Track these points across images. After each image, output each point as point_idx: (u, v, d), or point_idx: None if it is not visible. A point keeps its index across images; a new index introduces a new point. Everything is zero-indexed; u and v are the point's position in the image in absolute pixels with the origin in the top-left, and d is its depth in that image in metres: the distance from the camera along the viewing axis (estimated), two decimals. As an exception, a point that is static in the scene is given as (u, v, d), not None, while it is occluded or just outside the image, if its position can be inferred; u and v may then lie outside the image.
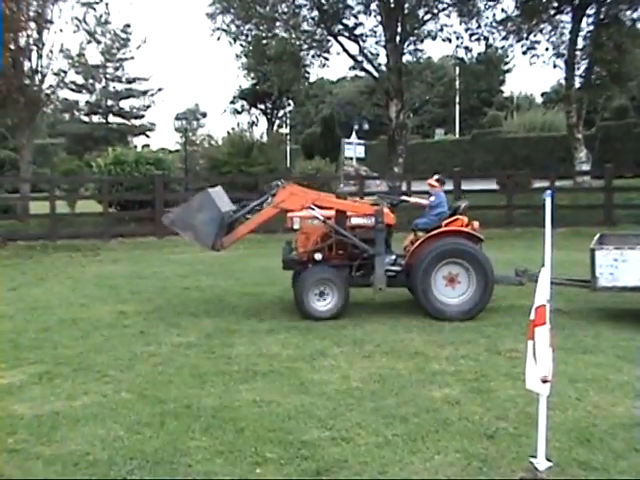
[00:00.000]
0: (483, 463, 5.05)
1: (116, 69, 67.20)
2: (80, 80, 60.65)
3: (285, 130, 60.62)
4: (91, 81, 64.03)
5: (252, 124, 59.25)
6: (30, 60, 25.02)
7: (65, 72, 27.25)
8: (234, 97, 62.92)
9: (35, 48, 25.00)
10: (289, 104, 62.77)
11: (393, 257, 10.34)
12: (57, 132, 67.98)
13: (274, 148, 31.46)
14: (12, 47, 24.60)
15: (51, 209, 20.29)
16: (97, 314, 10.35)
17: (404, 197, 11.16)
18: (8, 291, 12.60)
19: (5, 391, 6.84)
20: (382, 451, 5.28)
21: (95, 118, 69.89)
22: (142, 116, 70.81)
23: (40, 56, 25.05)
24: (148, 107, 70.38)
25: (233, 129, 30.70)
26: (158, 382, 7.06)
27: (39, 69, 25.16)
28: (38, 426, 5.90)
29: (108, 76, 66.91)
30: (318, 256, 9.99)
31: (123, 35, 60.80)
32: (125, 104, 69.86)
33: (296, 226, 10.20)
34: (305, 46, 30.08)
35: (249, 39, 31.01)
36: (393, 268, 10.12)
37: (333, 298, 9.80)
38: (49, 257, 17.70)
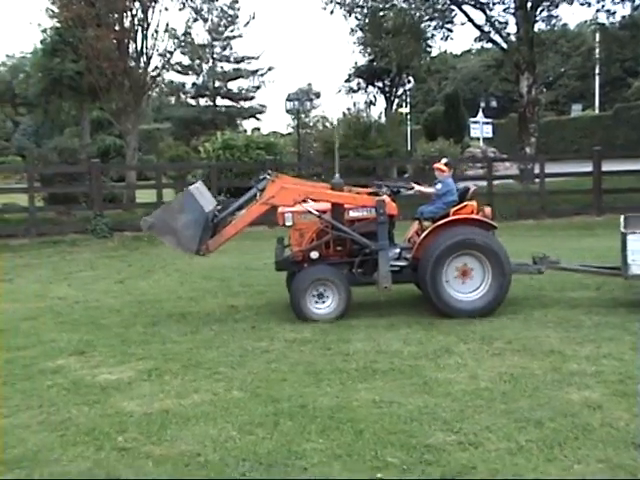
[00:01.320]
0: (631, 476, 4.91)
1: (224, 48, 68.37)
2: (186, 61, 62.07)
3: (405, 109, 60.29)
4: (197, 62, 65.35)
5: (369, 104, 59.18)
6: (135, 41, 25.81)
7: (171, 53, 28.03)
8: (349, 75, 62.94)
9: (140, 29, 25.76)
10: (409, 81, 62.35)
11: (397, 250, 10.14)
12: (163, 116, 69.86)
13: (393, 129, 31.34)
14: (117, 28, 25.49)
15: (158, 197, 20.91)
16: (206, 308, 10.62)
17: (406, 184, 10.86)
18: (115, 284, 13.10)
19: (114, 387, 7.11)
20: (514, 458, 5.20)
21: (202, 101, 71.32)
22: (252, 97, 71.84)
23: (145, 37, 25.82)
24: (258, 88, 71.33)
25: (349, 109, 30.78)
26: (271, 380, 7.18)
27: (144, 50, 25.93)
28: (147, 424, 6.10)
29: (215, 56, 68.15)
30: (314, 254, 9.84)
31: (230, 12, 61.98)
32: (233, 85, 71.03)
33: (288, 223, 9.97)
34: (426, 17, 29.81)
35: (365, 11, 30.95)
36: (398, 263, 9.93)
37: (334, 299, 9.61)
38: (156, 248, 18.20)
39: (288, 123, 77.16)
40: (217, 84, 70.06)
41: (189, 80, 69.11)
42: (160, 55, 27.09)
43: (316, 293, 9.60)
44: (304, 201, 9.75)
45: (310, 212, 9.73)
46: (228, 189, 22.97)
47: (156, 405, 6.58)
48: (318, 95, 79.20)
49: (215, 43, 66.32)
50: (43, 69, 38.29)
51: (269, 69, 70.28)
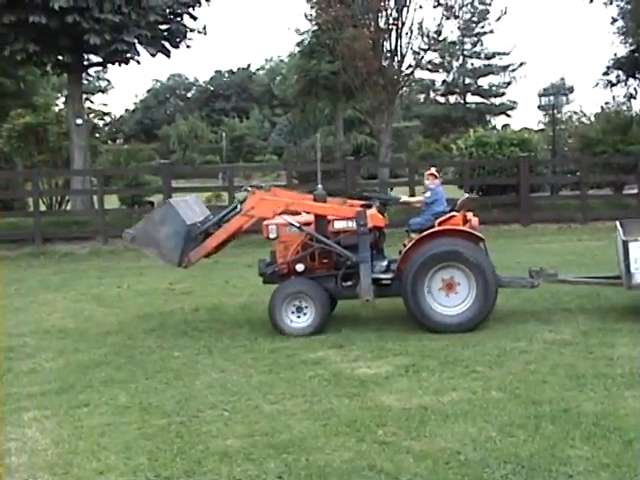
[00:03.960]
0: None
1: (474, 44, 68.01)
2: (436, 58, 62.20)
3: (669, 102, 56.96)
4: (448, 59, 65.37)
5: (630, 97, 56.45)
6: (389, 40, 26.21)
7: (425, 51, 28.14)
8: (608, 67, 60.41)
9: (394, 28, 26.12)
10: (674, 70, 58.85)
11: (384, 263, 9.76)
12: (412, 114, 70.56)
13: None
14: (372, 29, 26.01)
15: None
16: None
17: (396, 195, 10.21)
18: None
19: (373, 381, 7.24)
20: None
21: (452, 98, 71.26)
22: (502, 94, 70.90)
23: (399, 36, 26.14)
24: (508, 84, 70.31)
25: (607, 104, 29.49)
26: (530, 381, 7.02)
27: (398, 49, 26.27)
28: (406, 419, 6.15)
29: (465, 53, 67.90)
30: (300, 267, 9.59)
31: (482, 7, 61.27)
32: (484, 82, 70.45)
33: (272, 235, 9.74)
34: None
35: (628, -3, 29.57)
36: (385, 276, 9.58)
37: (311, 313, 9.33)
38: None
39: (539, 119, 75.28)
40: (467, 81, 69.74)
41: (439, 78, 69.28)
42: (414, 53, 27.34)
43: (294, 306, 9.39)
44: (297, 213, 9.65)
45: (292, 224, 9.54)
46: (481, 186, 22.76)
47: (414, 401, 6.63)
48: (571, 89, 76.68)
49: (466, 39, 66.01)
50: (300, 71, 39.87)
51: (520, 64, 69.04)
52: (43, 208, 22.93)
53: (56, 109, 33.77)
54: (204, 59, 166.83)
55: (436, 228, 9.40)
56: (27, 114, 28.80)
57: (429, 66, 61.16)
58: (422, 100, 72.85)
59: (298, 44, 41.16)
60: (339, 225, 9.62)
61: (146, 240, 9.79)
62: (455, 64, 68.54)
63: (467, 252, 9.21)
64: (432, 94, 72.42)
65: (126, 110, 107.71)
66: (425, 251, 9.22)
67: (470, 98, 71.05)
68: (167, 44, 24.55)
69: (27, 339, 9.76)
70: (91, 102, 42.51)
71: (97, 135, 35.22)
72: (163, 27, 24.07)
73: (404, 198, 10.30)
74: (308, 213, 9.77)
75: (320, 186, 10.28)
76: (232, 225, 9.80)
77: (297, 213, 9.82)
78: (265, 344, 8.89)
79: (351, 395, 6.85)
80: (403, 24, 26.04)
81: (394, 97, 26.95)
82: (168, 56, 24.72)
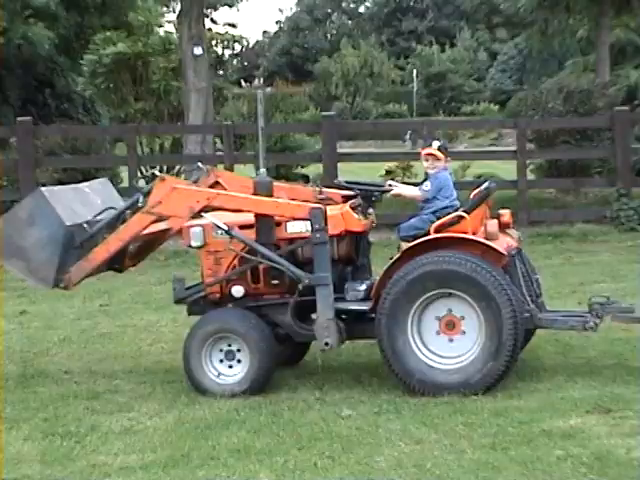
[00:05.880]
0: None
1: None
2: None
3: None
4: None
5: None
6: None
7: None
8: None
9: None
10: None
11: (363, 287, 9.54)
12: None
13: None
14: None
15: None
16: None
17: (388, 184, 9.95)
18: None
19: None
20: None
21: None
22: None
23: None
24: None
25: None
26: None
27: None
28: None
29: None
30: (238, 291, 9.51)
31: None
32: None
33: (195, 242, 9.60)
34: None
35: None
36: (359, 307, 9.43)
37: (245, 363, 9.30)
38: None
39: None
40: None
41: None
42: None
43: (221, 352, 9.43)
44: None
45: (218, 226, 9.35)
46: None
47: None
48: None
49: None
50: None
51: None
52: (142, 183, 23.41)
53: (161, 32, 34.74)
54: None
55: (430, 236, 9.18)
56: (119, 39, 29.38)
57: None
58: None
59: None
60: (295, 229, 9.50)
61: (9, 249, 9.69)
62: None
63: (472, 274, 8.84)
64: None
65: (265, 33, 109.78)
66: (409, 271, 8.99)
67: None
68: None
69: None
70: (213, 22, 42.97)
71: (223, 72, 36.02)
72: None
73: (396, 189, 9.90)
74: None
75: (263, 170, 10.19)
76: (129, 228, 9.68)
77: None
78: (484, 402, 8.84)
79: (626, 490, 6.78)
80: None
81: None
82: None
